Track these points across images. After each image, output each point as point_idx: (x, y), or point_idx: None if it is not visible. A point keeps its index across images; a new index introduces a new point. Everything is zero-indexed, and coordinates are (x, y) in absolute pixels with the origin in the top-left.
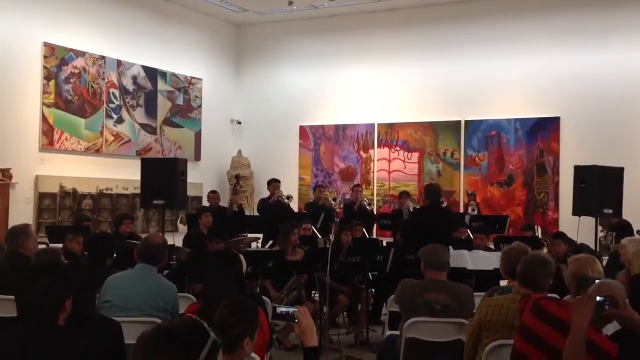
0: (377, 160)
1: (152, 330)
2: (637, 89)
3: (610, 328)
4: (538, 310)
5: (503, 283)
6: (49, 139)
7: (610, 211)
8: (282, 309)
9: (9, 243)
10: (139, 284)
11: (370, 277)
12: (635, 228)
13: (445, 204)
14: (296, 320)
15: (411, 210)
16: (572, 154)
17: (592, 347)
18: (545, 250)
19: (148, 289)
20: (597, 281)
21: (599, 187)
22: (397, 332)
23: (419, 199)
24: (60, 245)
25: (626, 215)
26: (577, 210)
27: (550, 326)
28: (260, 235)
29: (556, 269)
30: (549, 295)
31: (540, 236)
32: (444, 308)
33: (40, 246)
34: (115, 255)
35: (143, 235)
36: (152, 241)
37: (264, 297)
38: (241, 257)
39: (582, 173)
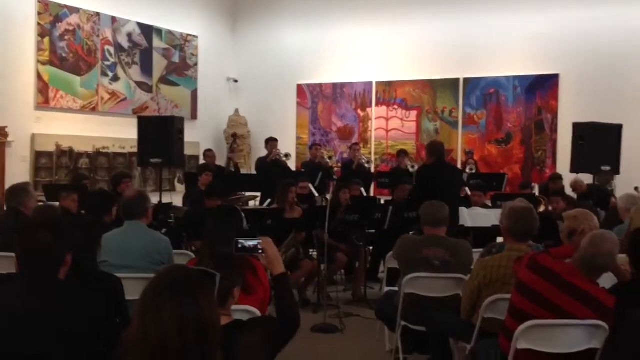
0: (375, 118)
1: (167, 279)
2: (636, 46)
3: (608, 281)
4: (534, 265)
5: (500, 240)
6: (44, 97)
7: (609, 168)
8: (244, 243)
9: (9, 201)
10: (133, 241)
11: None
12: (633, 184)
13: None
14: (261, 251)
15: (410, 168)
16: (570, 111)
17: (591, 300)
18: (542, 207)
19: (142, 245)
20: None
21: (597, 144)
22: (396, 288)
23: (417, 158)
24: (57, 204)
25: (624, 171)
26: (575, 167)
27: (546, 280)
28: (258, 194)
29: (555, 226)
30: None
31: (537, 194)
32: (443, 264)
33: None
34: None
35: None
36: (127, 197)
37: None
38: (241, 212)
39: (581, 130)
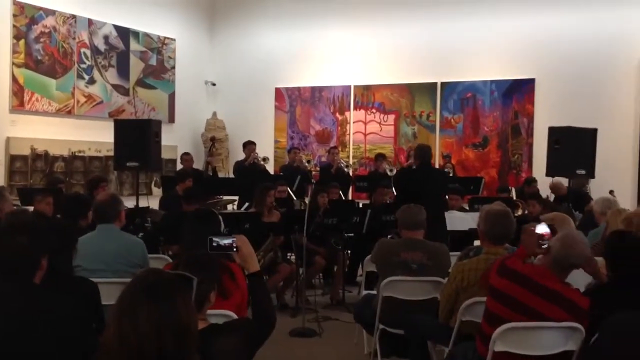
0: (353, 122)
1: (144, 283)
2: (611, 51)
3: (580, 282)
4: (504, 270)
5: (477, 243)
6: (19, 100)
7: (584, 172)
8: (218, 241)
9: None
10: (106, 245)
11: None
12: (607, 188)
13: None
14: (235, 249)
15: (388, 172)
16: (546, 115)
17: (565, 302)
18: (519, 211)
19: (116, 248)
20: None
21: (572, 148)
22: (374, 292)
23: (395, 161)
24: (31, 208)
25: (599, 175)
26: (551, 171)
27: (519, 284)
28: (236, 198)
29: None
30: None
31: (514, 198)
32: (420, 267)
33: None
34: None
35: None
36: (99, 201)
37: None
38: (219, 216)
39: (556, 134)
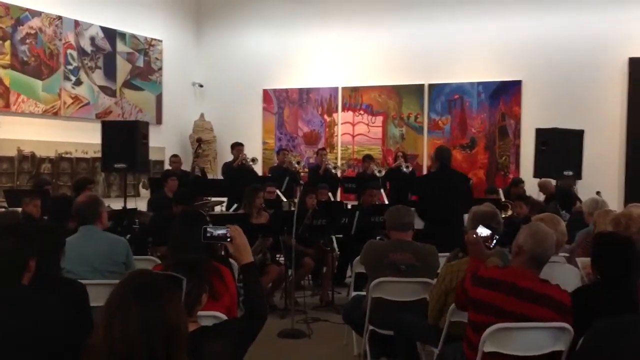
0: (341, 124)
1: (133, 284)
2: (598, 53)
3: (571, 286)
4: (482, 281)
5: None
6: (5, 101)
7: (571, 173)
8: (212, 231)
9: None
10: (90, 246)
11: (334, 240)
12: (594, 189)
13: (410, 168)
14: (229, 239)
15: (377, 173)
16: (533, 117)
17: (549, 301)
18: (509, 212)
19: (99, 248)
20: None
21: (559, 149)
22: (363, 293)
23: (383, 162)
24: (19, 210)
25: (586, 176)
26: (538, 173)
27: (501, 292)
28: (225, 199)
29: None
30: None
31: (503, 199)
32: (409, 268)
33: None
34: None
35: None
36: (79, 202)
37: (231, 260)
38: (206, 217)
39: (543, 135)
